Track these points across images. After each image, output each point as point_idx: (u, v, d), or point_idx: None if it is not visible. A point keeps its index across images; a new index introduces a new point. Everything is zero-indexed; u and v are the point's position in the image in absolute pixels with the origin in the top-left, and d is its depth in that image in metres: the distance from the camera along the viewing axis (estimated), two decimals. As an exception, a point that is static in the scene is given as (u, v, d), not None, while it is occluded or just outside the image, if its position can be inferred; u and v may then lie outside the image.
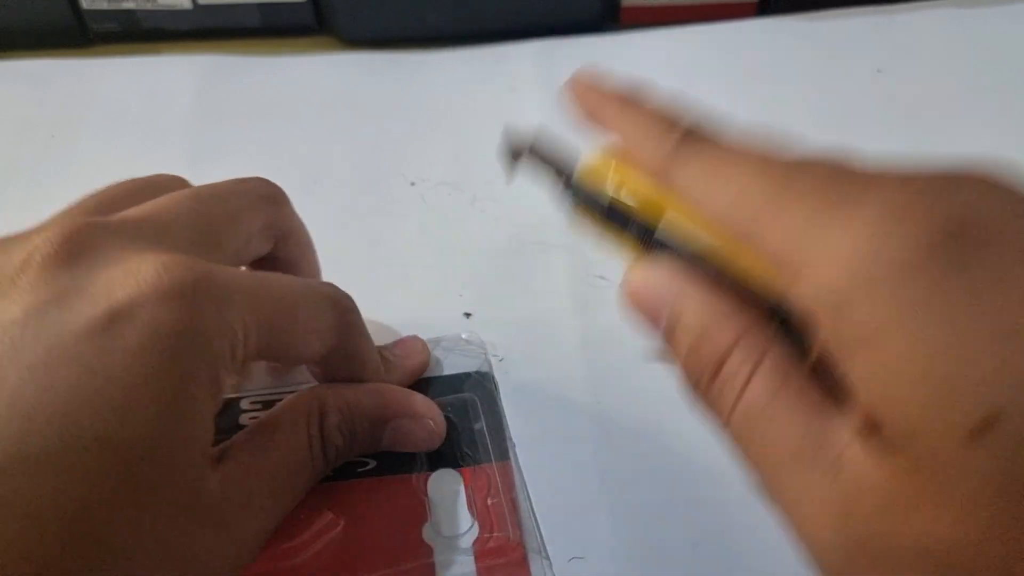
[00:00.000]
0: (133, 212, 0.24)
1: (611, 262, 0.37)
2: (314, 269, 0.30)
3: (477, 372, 0.32)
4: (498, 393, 0.31)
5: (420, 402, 0.28)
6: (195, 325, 0.22)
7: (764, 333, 0.20)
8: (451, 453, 0.29)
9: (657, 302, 0.21)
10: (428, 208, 0.39)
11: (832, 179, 0.18)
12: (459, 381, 0.31)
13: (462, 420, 0.30)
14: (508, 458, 0.30)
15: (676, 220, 0.21)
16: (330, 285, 0.27)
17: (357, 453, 0.28)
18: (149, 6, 0.48)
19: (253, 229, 0.27)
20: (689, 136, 0.21)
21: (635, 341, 0.34)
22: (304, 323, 0.25)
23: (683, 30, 0.48)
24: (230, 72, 0.47)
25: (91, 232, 0.22)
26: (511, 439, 0.30)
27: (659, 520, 0.28)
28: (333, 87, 0.46)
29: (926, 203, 0.16)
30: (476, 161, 0.42)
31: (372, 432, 0.27)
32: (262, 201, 0.27)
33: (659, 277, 0.21)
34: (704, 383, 0.20)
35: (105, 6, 0.48)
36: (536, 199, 0.41)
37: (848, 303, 0.16)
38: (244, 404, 0.30)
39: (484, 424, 0.30)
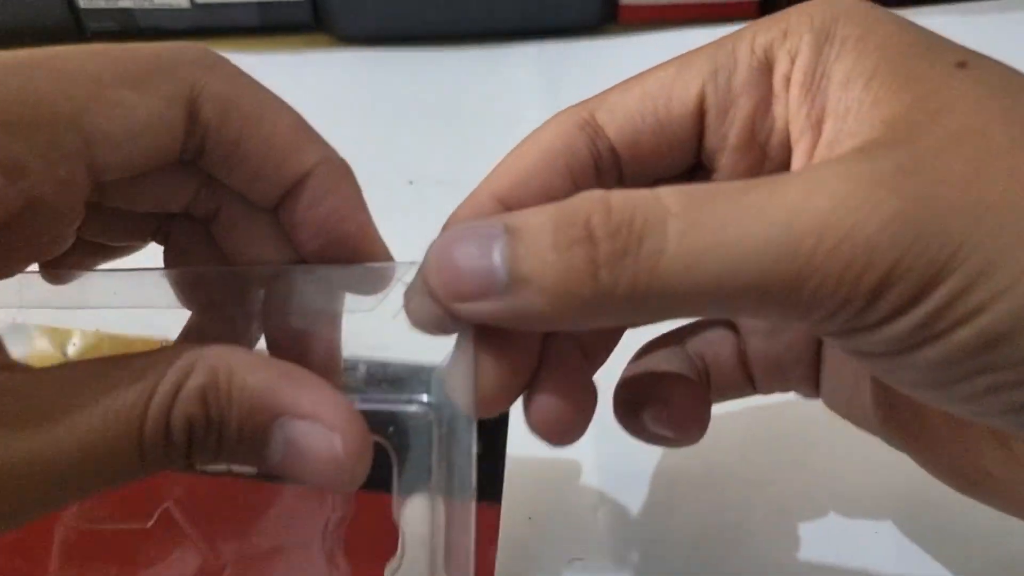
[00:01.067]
0: None
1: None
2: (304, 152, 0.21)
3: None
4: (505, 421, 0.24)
5: (334, 404, 0.19)
6: None
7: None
8: (431, 476, 0.22)
9: (485, 234, 0.18)
10: (426, 206, 0.39)
11: None
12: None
13: (450, 439, 0.22)
14: (499, 500, 0.23)
15: None
16: (182, 44, 0.20)
17: (228, 455, 0.19)
18: (146, 5, 0.48)
19: (133, 100, 0.18)
20: None
21: (636, 341, 0.34)
22: (126, 100, 0.18)
23: (683, 32, 0.48)
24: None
25: None
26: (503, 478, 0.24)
27: (658, 521, 0.28)
28: (330, 85, 0.46)
29: None
30: (474, 160, 0.41)
31: (250, 423, 0.18)
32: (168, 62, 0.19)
33: (477, 206, 0.21)
34: (607, 249, 0.16)
35: (102, 5, 0.48)
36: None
37: (834, 24, 0.19)
38: None
39: (476, 449, 0.21)
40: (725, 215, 0.16)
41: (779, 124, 0.20)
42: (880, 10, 0.19)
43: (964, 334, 0.15)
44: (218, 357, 0.18)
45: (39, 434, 0.16)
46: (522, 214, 0.18)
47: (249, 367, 0.18)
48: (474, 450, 0.21)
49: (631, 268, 0.16)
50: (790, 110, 0.19)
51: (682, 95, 0.20)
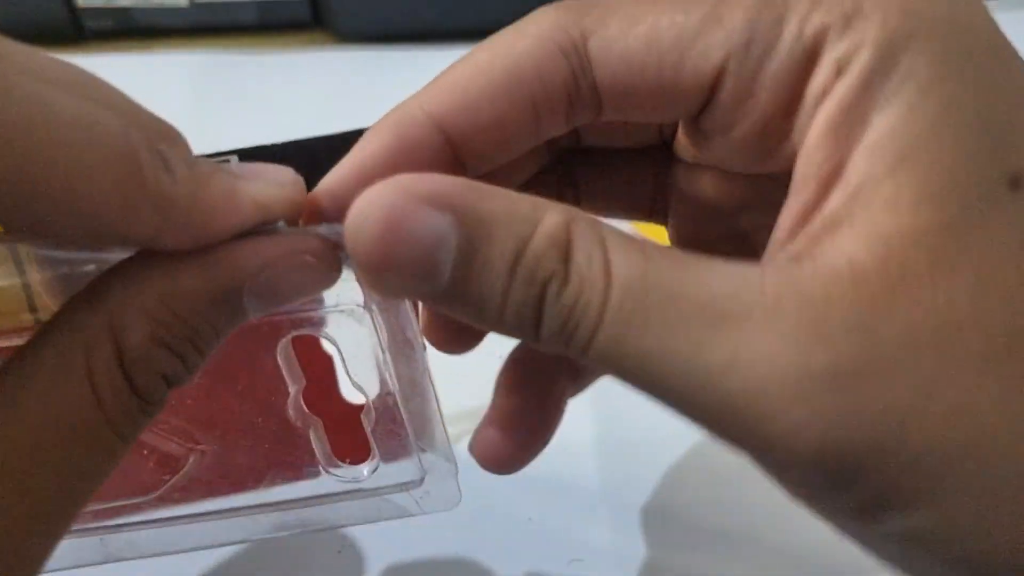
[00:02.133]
0: None
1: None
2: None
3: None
4: None
5: (281, 238, 0.16)
6: None
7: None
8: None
9: (431, 227, 0.14)
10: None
11: None
12: (346, 144, 0.20)
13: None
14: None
15: None
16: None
17: (209, 354, 0.17)
18: (145, 4, 0.48)
19: None
20: None
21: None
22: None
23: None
24: (226, 69, 0.47)
25: None
26: None
27: (658, 522, 0.28)
28: (329, 84, 0.46)
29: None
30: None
31: (222, 313, 0.16)
32: None
33: (433, 182, 0.15)
34: (555, 290, 0.15)
35: (100, 4, 0.48)
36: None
37: (903, 51, 0.15)
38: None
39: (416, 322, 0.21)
40: (659, 333, 0.14)
41: (794, 138, 0.16)
42: (970, 35, 0.15)
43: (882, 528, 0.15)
44: (131, 288, 0.15)
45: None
46: (482, 211, 0.15)
47: (173, 276, 0.15)
48: (416, 324, 0.20)
49: (565, 338, 0.15)
50: (807, 145, 0.16)
51: (698, 63, 0.16)
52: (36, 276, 0.18)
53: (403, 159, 0.17)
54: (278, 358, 0.23)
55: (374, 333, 0.21)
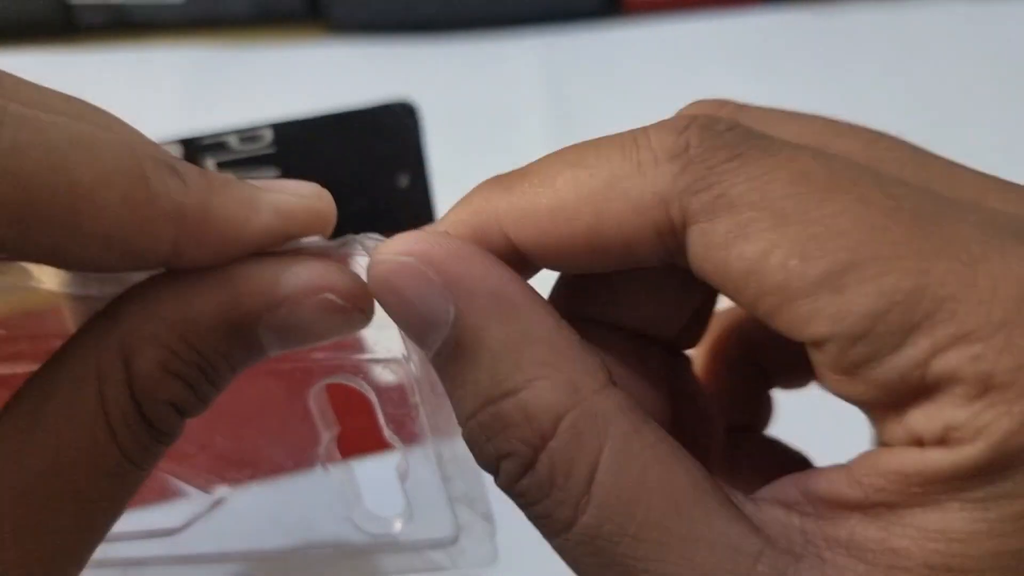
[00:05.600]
0: None
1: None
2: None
3: (399, 104, 0.21)
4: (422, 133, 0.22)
5: (306, 268, 0.15)
6: None
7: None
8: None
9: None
10: (425, 203, 0.38)
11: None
12: (376, 116, 0.20)
13: (384, 174, 0.20)
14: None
15: None
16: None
17: (224, 386, 0.16)
18: (141, 0, 0.47)
19: None
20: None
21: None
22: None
23: (690, 23, 0.47)
24: (220, 64, 0.46)
25: None
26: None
27: None
28: (325, 76, 0.45)
29: None
30: (476, 155, 0.41)
31: (235, 344, 0.15)
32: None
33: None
34: (513, 470, 0.15)
35: (94, 0, 0.47)
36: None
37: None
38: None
39: (410, 179, 0.20)
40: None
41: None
42: None
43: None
44: (145, 314, 0.15)
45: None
46: (483, 328, 0.15)
47: (190, 297, 0.15)
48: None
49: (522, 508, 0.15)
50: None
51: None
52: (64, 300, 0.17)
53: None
54: (310, 403, 0.22)
55: (411, 385, 0.20)
